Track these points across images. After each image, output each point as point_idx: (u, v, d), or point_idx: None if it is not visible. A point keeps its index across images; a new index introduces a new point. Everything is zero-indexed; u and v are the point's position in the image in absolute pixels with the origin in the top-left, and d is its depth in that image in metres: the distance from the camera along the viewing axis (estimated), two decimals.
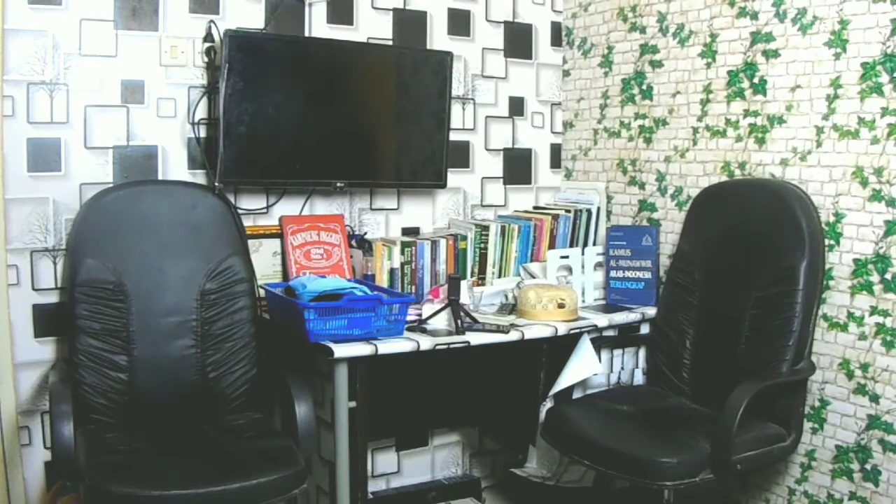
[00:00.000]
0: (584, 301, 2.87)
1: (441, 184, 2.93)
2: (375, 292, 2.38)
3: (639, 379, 2.81)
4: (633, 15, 3.00)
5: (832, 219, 2.34)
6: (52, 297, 2.40)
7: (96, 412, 2.21)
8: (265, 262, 2.67)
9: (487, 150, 3.18)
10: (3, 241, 2.32)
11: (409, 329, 2.38)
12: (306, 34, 2.75)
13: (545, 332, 2.50)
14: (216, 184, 2.50)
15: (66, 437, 1.93)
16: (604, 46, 3.13)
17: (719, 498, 2.62)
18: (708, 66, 2.72)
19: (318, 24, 2.78)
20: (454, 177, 3.03)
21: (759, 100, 2.55)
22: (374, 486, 2.91)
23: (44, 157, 2.37)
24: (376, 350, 2.21)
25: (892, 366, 2.21)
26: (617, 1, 3.06)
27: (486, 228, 2.92)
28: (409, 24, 2.97)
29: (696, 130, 2.77)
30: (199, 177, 2.59)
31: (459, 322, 2.39)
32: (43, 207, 2.38)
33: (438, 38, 3.03)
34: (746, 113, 2.60)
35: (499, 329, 2.42)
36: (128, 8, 2.46)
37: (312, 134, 2.66)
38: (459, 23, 3.08)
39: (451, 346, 2.32)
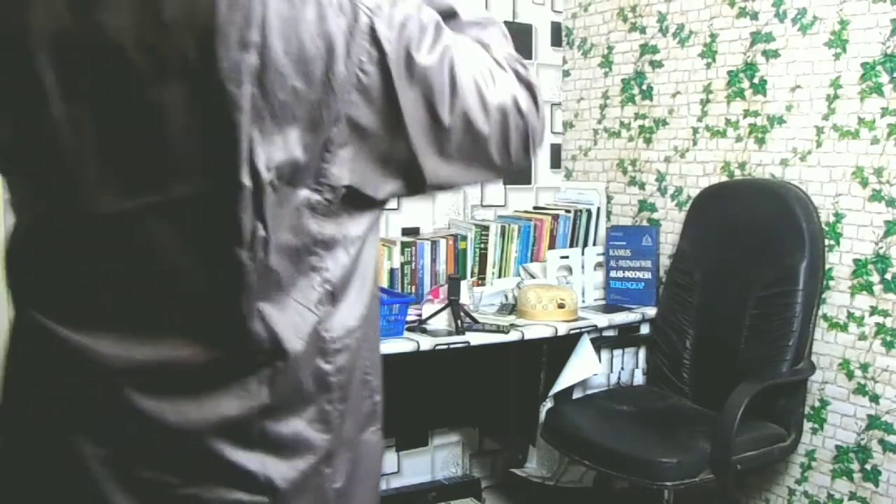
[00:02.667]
0: (584, 301, 2.87)
1: None
2: None
3: (639, 379, 2.81)
4: (633, 15, 3.00)
5: (832, 219, 2.34)
6: None
7: None
8: None
9: None
10: (3, 241, 2.32)
11: (409, 329, 2.38)
12: None
13: (545, 333, 2.50)
14: None
15: None
16: (604, 46, 3.13)
17: (719, 498, 2.62)
18: (708, 66, 2.72)
19: None
20: None
21: (759, 100, 2.55)
22: None
23: None
24: None
25: (892, 366, 2.21)
26: (617, 1, 3.06)
27: (486, 228, 2.92)
28: None
29: (696, 130, 2.78)
30: None
31: (459, 322, 2.39)
32: None
33: None
34: (746, 113, 2.60)
35: (499, 329, 2.42)
36: None
37: None
38: None
39: (451, 346, 2.32)
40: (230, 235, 0.73)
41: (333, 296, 0.82)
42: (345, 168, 0.77)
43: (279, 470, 0.79)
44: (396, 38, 0.77)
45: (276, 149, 0.72)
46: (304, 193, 0.76)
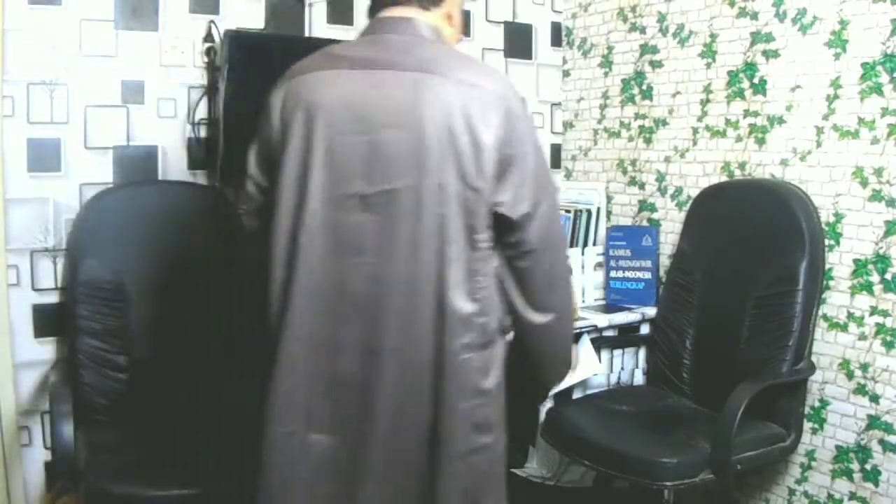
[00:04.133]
0: (584, 301, 2.87)
1: None
2: None
3: (639, 379, 2.81)
4: (633, 15, 3.00)
5: (832, 219, 2.34)
6: (52, 297, 2.40)
7: (96, 412, 2.22)
8: None
9: None
10: (3, 241, 2.32)
11: None
12: (306, 34, 2.75)
13: None
14: (216, 184, 2.50)
15: (66, 437, 1.93)
16: (604, 46, 3.13)
17: (719, 498, 2.61)
18: (708, 66, 2.72)
19: (317, 24, 2.78)
20: None
21: (759, 100, 2.55)
22: None
23: (44, 157, 2.37)
24: None
25: (892, 366, 2.21)
26: (617, 1, 3.06)
27: None
28: None
29: (696, 130, 2.78)
30: (200, 177, 2.58)
31: None
32: (43, 207, 2.38)
33: None
34: (746, 113, 2.60)
35: None
36: (128, 8, 2.46)
37: None
38: None
39: None
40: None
41: None
42: None
43: None
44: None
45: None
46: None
